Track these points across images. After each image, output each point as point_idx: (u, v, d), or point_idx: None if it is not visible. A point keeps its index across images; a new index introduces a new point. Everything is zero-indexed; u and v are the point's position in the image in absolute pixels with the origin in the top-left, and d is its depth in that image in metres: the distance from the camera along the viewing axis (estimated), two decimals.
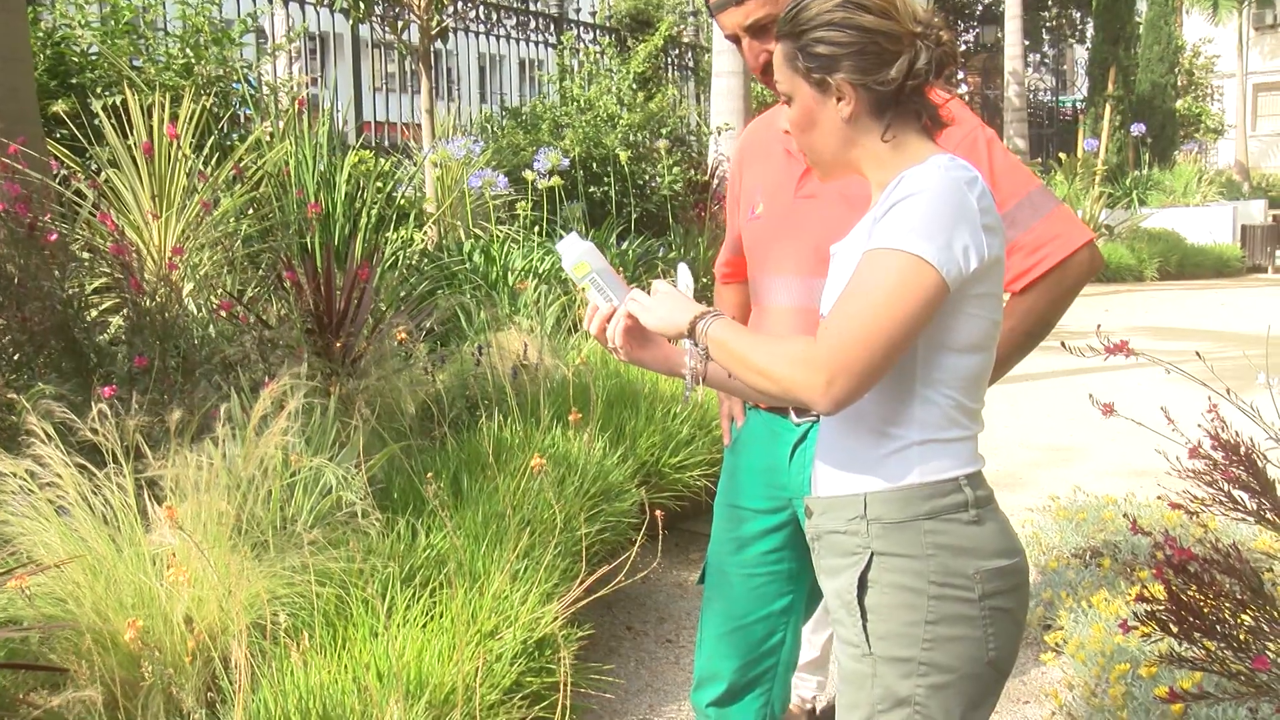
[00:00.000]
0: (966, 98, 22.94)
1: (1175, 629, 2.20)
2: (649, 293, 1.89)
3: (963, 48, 23.22)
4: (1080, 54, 30.56)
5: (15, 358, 3.64)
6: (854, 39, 1.71)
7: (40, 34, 6.40)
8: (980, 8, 25.66)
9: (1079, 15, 27.57)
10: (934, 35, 1.72)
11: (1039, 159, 21.30)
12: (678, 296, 1.83)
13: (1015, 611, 1.79)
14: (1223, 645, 2.19)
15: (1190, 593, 2.19)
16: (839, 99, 1.75)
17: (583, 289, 1.94)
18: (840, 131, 1.77)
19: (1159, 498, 2.67)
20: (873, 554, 1.76)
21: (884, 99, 1.74)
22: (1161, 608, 2.22)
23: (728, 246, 2.64)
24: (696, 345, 1.78)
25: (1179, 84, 24.11)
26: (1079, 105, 24.76)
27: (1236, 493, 2.29)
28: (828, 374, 1.62)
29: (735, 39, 2.35)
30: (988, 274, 1.71)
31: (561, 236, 1.83)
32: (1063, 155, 17.82)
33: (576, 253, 1.93)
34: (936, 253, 1.63)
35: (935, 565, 1.73)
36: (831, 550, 1.83)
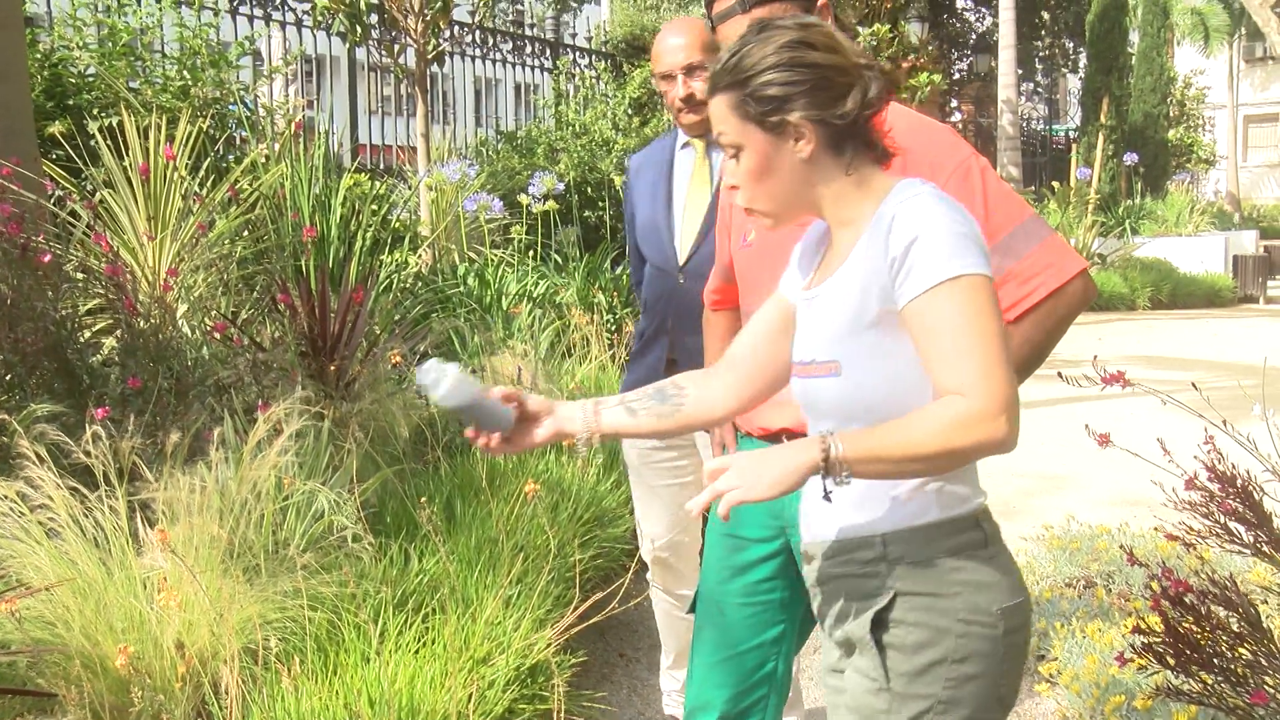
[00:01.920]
0: (960, 126, 23.05)
1: (1172, 661, 2.19)
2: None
3: (956, 76, 23.34)
4: (1073, 83, 30.76)
5: (8, 378, 3.63)
6: (806, 76, 1.69)
7: (38, 55, 6.40)
8: (974, 37, 25.83)
9: (1072, 45, 27.75)
10: (876, 66, 1.73)
11: (1032, 187, 21.38)
12: (765, 454, 1.66)
13: (1025, 648, 1.79)
14: (1220, 679, 2.18)
15: (1187, 624, 2.19)
16: (797, 139, 1.72)
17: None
18: (799, 173, 1.74)
19: (1155, 528, 2.66)
20: (896, 594, 1.73)
21: (842, 133, 1.72)
22: (1158, 640, 2.22)
23: (717, 273, 2.64)
24: (835, 479, 1.63)
25: (1171, 114, 24.27)
26: (1072, 134, 24.89)
27: (1233, 525, 2.28)
28: (1005, 414, 1.59)
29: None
30: None
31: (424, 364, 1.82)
32: (1056, 184, 17.90)
33: (441, 390, 1.81)
34: (982, 262, 1.64)
35: (961, 603, 1.71)
36: (843, 594, 1.79)
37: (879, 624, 1.74)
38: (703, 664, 2.43)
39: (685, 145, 3.15)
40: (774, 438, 2.33)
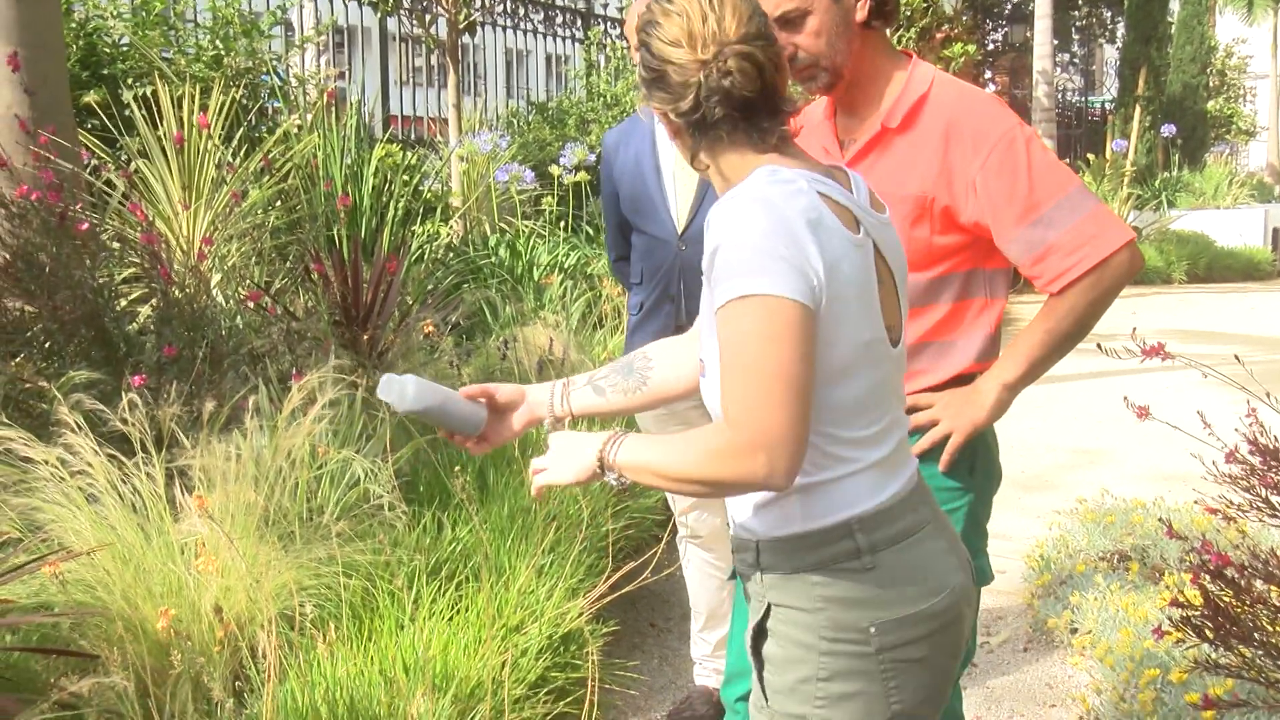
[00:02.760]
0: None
1: (1211, 635, 2.17)
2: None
3: (991, 47, 23.09)
4: (1110, 54, 30.36)
5: (47, 346, 3.66)
6: (656, 68, 1.65)
7: (73, 25, 6.43)
8: (1009, 7, 25.51)
9: (1110, 14, 27.35)
10: (721, 65, 1.60)
11: (1067, 159, 21.15)
12: (571, 441, 1.71)
13: (930, 658, 1.65)
14: (1260, 653, 2.16)
15: (1226, 598, 2.17)
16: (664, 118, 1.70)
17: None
18: (677, 145, 1.72)
19: (1196, 502, 2.64)
20: (769, 604, 1.66)
21: (690, 125, 1.65)
22: (1196, 613, 2.20)
23: None
24: (614, 480, 1.67)
25: (1211, 85, 23.91)
26: (1108, 106, 24.58)
27: (1275, 499, 2.26)
28: (764, 454, 1.49)
29: None
30: (840, 285, 1.56)
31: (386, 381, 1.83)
32: (1091, 156, 17.70)
33: (407, 399, 1.81)
34: (781, 282, 1.50)
35: (825, 620, 1.61)
36: (747, 590, 1.75)
37: (760, 633, 1.67)
38: (742, 630, 2.44)
39: None
40: None
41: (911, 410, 2.15)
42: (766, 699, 1.67)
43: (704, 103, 1.61)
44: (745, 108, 1.62)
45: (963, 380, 2.23)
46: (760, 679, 1.67)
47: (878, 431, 1.65)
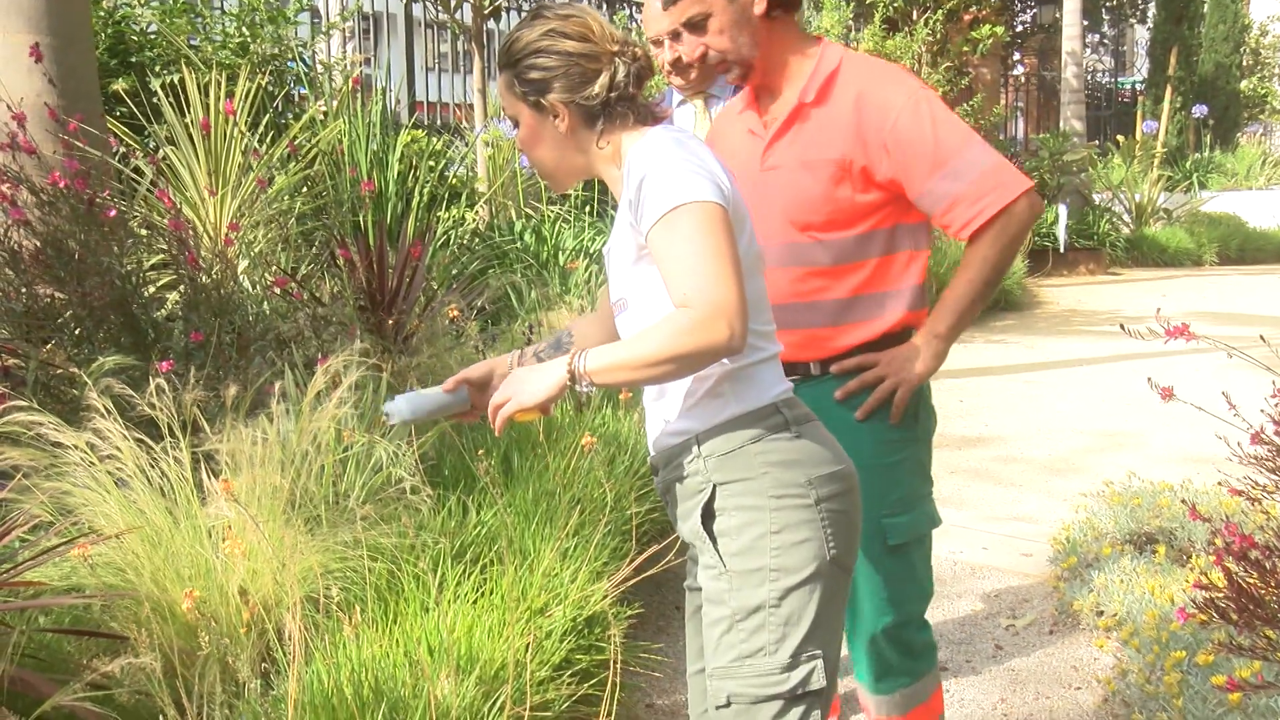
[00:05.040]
0: (1023, 79, 22.63)
1: (1235, 617, 2.16)
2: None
3: (1019, 28, 22.87)
4: (1141, 34, 30.04)
5: (76, 332, 3.70)
6: (559, 63, 1.91)
7: (101, 13, 6.47)
8: None
9: None
10: (630, 52, 1.93)
11: (1096, 141, 20.97)
12: (530, 370, 1.92)
13: (850, 513, 1.95)
14: None
15: (1251, 580, 2.16)
16: (555, 116, 1.95)
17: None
18: (563, 143, 1.98)
19: (1220, 483, 2.62)
20: (714, 485, 1.91)
21: (593, 111, 1.94)
22: (1221, 595, 2.19)
23: None
24: (585, 388, 1.86)
25: (1244, 64, 23.60)
26: (1138, 87, 24.34)
27: None
28: (724, 319, 1.73)
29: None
30: (734, 202, 1.86)
31: (386, 413, 2.14)
32: (1121, 138, 17.54)
33: (404, 414, 2.10)
34: (706, 190, 1.78)
35: (770, 481, 1.89)
36: (681, 496, 1.98)
37: (708, 516, 1.92)
38: None
39: (683, 103, 3.26)
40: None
41: (857, 370, 2.44)
42: (725, 565, 1.91)
43: (616, 85, 1.92)
44: (639, 91, 1.94)
45: (900, 331, 2.47)
46: (716, 551, 1.92)
47: (771, 330, 1.98)
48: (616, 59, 1.92)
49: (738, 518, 1.90)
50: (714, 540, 1.92)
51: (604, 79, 1.91)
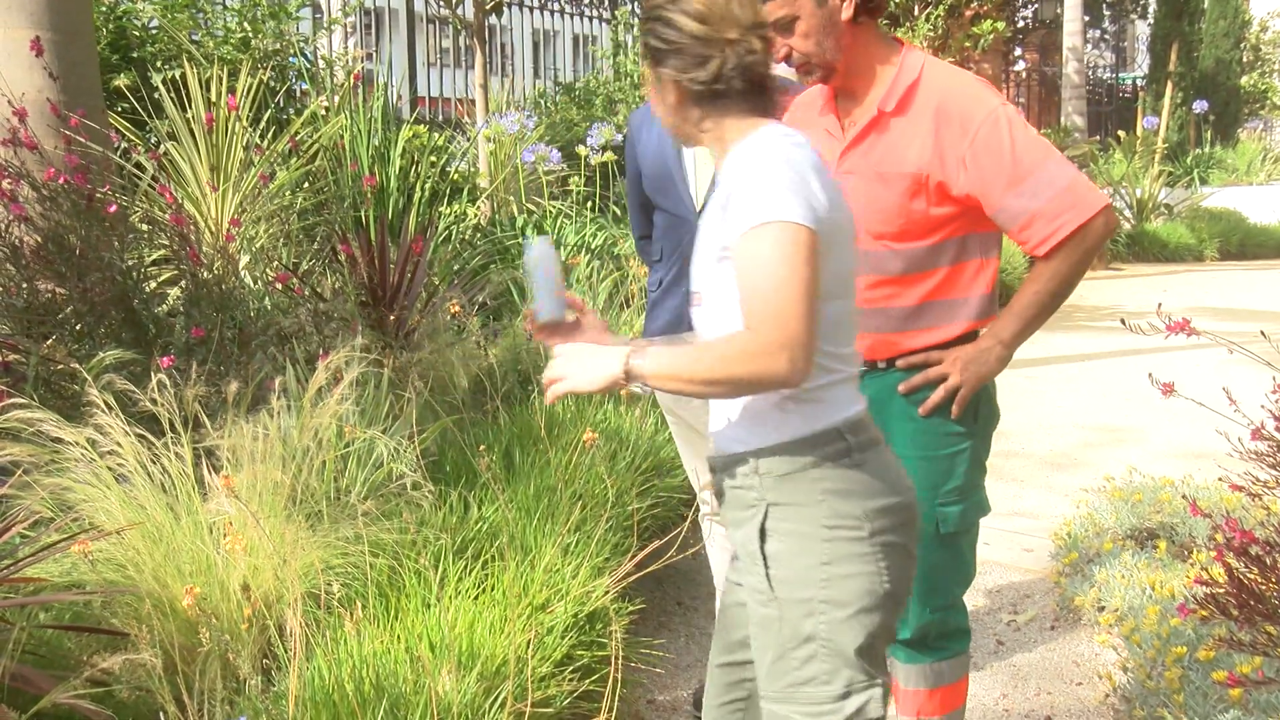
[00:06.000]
0: (1023, 75, 22.60)
1: (1236, 612, 2.17)
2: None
3: (1020, 24, 22.85)
4: (1142, 29, 29.99)
5: (78, 327, 3.70)
6: (676, 39, 1.86)
7: (103, 8, 6.47)
8: None
9: None
10: (748, 44, 1.85)
11: (1097, 137, 20.94)
12: (591, 351, 1.89)
13: (907, 545, 1.91)
14: None
15: (1252, 575, 2.16)
16: (666, 87, 1.91)
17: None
18: (673, 112, 1.94)
19: (1220, 479, 2.63)
20: (768, 505, 1.87)
21: (699, 94, 1.88)
22: (1221, 590, 2.19)
23: None
24: (640, 388, 1.86)
25: (1244, 59, 23.58)
26: (1139, 82, 24.31)
27: None
28: (786, 352, 1.70)
29: None
30: (829, 223, 1.80)
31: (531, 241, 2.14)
32: (1122, 133, 17.51)
33: (531, 253, 2.09)
34: (795, 210, 1.74)
35: (825, 510, 1.84)
36: (733, 504, 1.95)
37: (761, 535, 1.88)
38: None
39: None
40: None
41: (924, 365, 2.45)
42: (773, 591, 1.87)
43: (724, 75, 1.85)
44: (756, 81, 1.87)
45: (967, 336, 2.48)
46: (766, 574, 1.87)
47: (849, 353, 1.92)
48: (728, 49, 1.85)
49: (789, 543, 1.86)
50: (765, 562, 1.88)
51: (713, 66, 1.85)
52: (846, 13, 2.37)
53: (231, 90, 5.29)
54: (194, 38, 6.78)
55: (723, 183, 1.84)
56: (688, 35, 1.84)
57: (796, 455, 1.85)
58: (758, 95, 1.89)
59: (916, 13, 12.84)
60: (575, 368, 1.88)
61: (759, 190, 1.76)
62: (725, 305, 1.85)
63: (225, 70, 5.45)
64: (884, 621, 1.88)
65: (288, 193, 5.52)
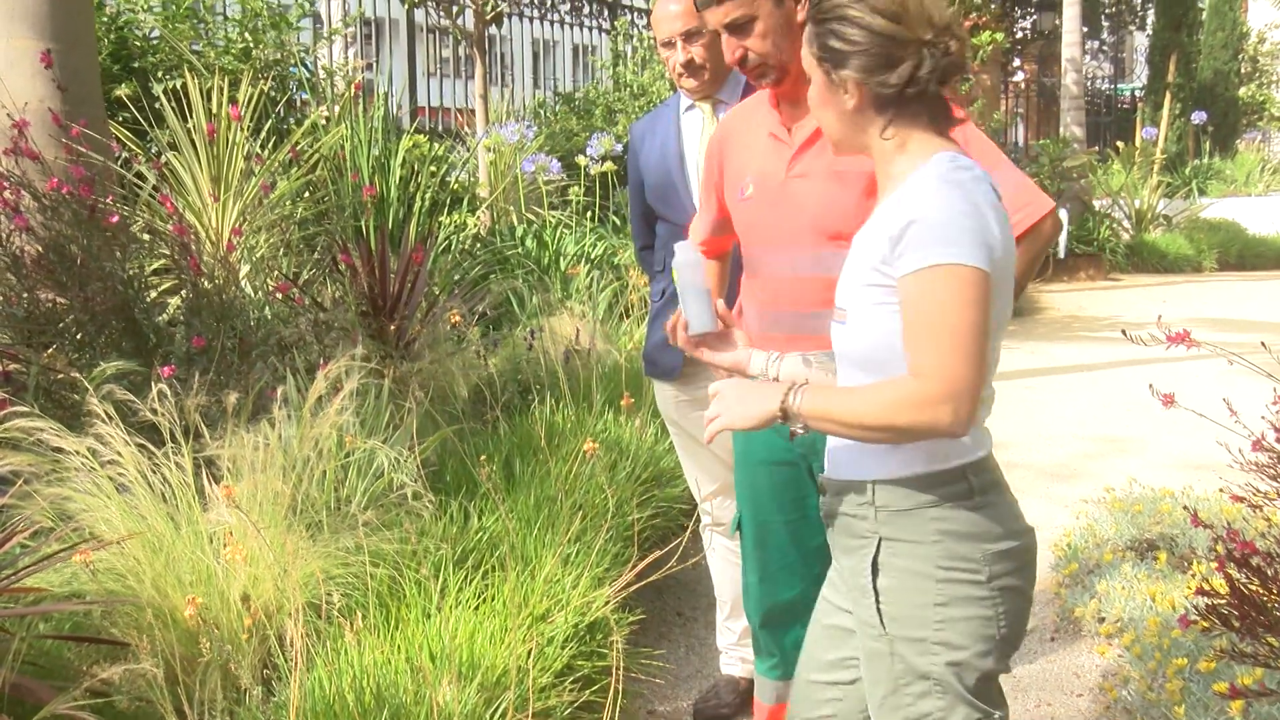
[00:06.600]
0: (1022, 86, 22.64)
1: (1237, 624, 2.16)
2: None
3: (1019, 35, 22.90)
4: (1140, 40, 30.04)
5: (78, 337, 3.69)
6: (863, 39, 1.76)
7: (104, 19, 6.48)
8: None
9: (1140, 1, 27.09)
10: (943, 45, 1.77)
11: (1096, 147, 20.96)
12: (748, 389, 1.88)
13: (1024, 588, 1.85)
14: None
15: (1253, 587, 2.16)
16: (845, 92, 1.82)
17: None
18: (847, 119, 1.85)
19: (1220, 490, 2.63)
20: (881, 539, 1.83)
21: (886, 99, 1.79)
22: (1222, 602, 2.19)
23: (705, 228, 2.76)
24: (798, 428, 1.82)
25: (1243, 71, 23.62)
26: (1138, 93, 24.34)
27: None
28: (951, 404, 1.66)
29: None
30: (1001, 265, 1.76)
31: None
32: (1120, 144, 17.53)
33: (679, 260, 2.08)
34: (973, 253, 1.69)
35: (941, 551, 1.79)
36: (844, 530, 1.91)
37: (874, 569, 1.84)
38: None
39: (691, 108, 3.24)
40: None
41: None
42: (884, 628, 1.83)
43: (918, 79, 1.76)
44: (945, 86, 1.81)
45: None
46: (877, 609, 1.83)
47: (991, 395, 1.85)
48: (925, 50, 1.76)
49: (902, 580, 1.82)
50: (876, 596, 1.84)
51: (905, 69, 1.76)
52: (802, 15, 2.38)
53: (233, 100, 5.30)
54: (195, 48, 6.80)
55: (897, 207, 1.76)
56: (877, 35, 1.75)
57: (917, 492, 1.80)
58: (943, 109, 1.83)
59: None
60: (733, 406, 1.87)
61: (941, 228, 1.69)
62: (873, 329, 1.80)
63: (226, 80, 5.46)
64: (998, 662, 1.83)
65: (288, 202, 5.53)
